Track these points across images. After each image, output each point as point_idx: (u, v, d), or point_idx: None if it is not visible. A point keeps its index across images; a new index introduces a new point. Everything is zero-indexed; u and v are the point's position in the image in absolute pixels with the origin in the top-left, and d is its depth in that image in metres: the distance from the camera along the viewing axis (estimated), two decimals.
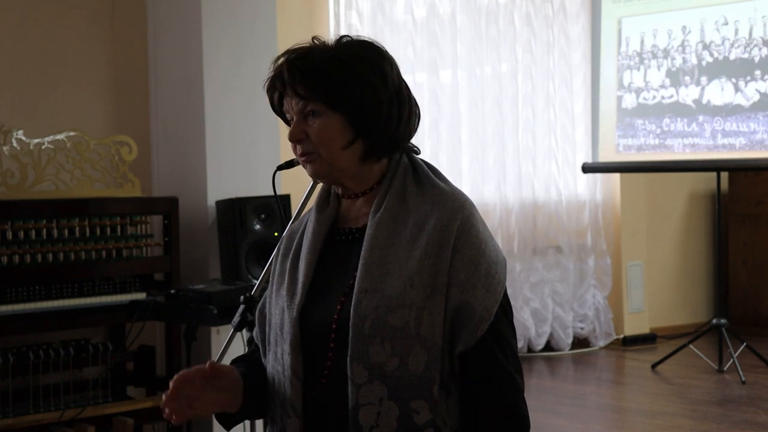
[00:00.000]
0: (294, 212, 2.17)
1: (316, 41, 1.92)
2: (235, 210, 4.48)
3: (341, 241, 1.95)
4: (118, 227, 4.40)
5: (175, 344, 4.43)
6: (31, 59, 4.76)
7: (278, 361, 1.93)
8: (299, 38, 6.35)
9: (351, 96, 1.86)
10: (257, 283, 2.03)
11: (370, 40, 1.94)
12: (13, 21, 4.73)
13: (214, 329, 4.48)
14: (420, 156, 2.00)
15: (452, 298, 1.81)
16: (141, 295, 4.38)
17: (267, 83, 1.93)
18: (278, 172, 2.08)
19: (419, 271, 1.81)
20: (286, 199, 4.52)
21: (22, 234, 4.16)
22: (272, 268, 2.03)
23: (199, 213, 4.64)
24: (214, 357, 2.01)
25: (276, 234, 4.53)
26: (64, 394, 4.28)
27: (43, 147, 4.34)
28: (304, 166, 1.94)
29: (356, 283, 1.84)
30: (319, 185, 2.02)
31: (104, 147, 4.52)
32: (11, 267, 4.12)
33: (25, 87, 4.75)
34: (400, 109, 1.91)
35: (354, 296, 1.83)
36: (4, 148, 4.27)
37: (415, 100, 1.97)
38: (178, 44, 4.78)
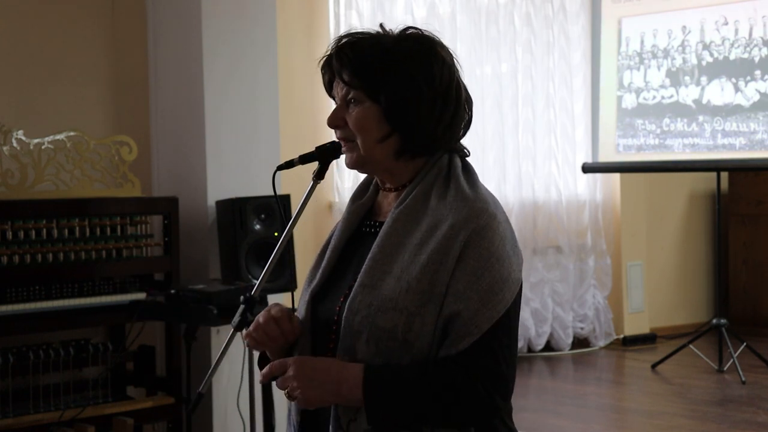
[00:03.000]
0: (294, 212, 2.16)
1: (380, 30, 1.91)
2: (235, 210, 4.48)
3: (369, 233, 1.95)
4: (118, 227, 4.40)
5: (175, 344, 4.43)
6: (31, 59, 4.76)
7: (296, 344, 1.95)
8: (299, 38, 6.33)
9: (392, 90, 1.85)
10: (257, 283, 2.03)
11: (430, 36, 1.91)
12: (13, 21, 4.73)
13: (214, 329, 4.48)
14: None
15: (446, 307, 1.77)
16: (141, 295, 4.38)
17: (321, 63, 1.93)
18: (278, 172, 2.07)
19: (419, 277, 1.78)
20: (286, 199, 4.52)
21: (22, 234, 4.16)
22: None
23: (199, 213, 4.64)
24: (214, 357, 2.01)
25: (276, 234, 4.53)
26: (64, 394, 4.28)
27: (43, 147, 4.34)
28: (344, 154, 1.94)
29: (359, 277, 1.84)
30: (316, 183, 2.02)
31: (104, 147, 4.52)
32: (11, 267, 4.12)
33: (25, 87, 4.75)
34: (443, 110, 1.88)
35: (353, 290, 1.83)
36: (4, 148, 4.27)
37: (467, 99, 1.93)
38: (178, 44, 4.78)
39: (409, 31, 1.91)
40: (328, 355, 1.86)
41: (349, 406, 1.80)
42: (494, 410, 1.79)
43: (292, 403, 1.91)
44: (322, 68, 1.93)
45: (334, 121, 1.91)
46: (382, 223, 1.92)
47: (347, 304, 1.82)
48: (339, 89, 1.90)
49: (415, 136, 1.88)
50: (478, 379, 1.76)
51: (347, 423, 1.80)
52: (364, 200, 1.99)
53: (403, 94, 1.85)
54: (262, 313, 1.92)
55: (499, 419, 1.85)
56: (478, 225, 1.81)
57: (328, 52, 1.91)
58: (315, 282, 1.94)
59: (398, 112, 1.86)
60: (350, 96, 1.88)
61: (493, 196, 1.91)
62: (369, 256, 1.85)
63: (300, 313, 1.94)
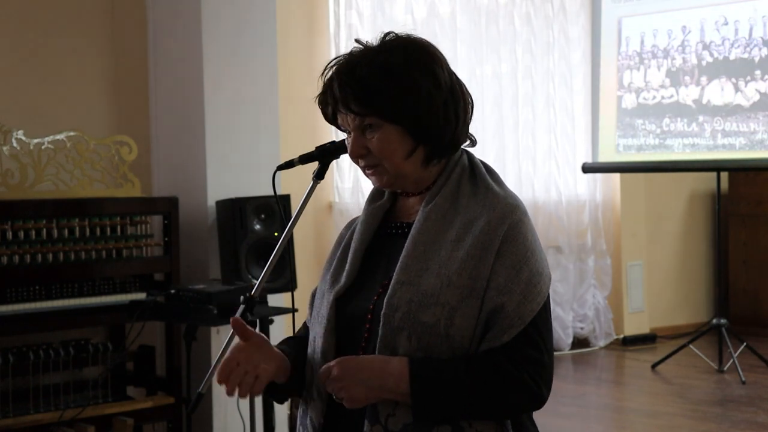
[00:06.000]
0: (294, 212, 2.16)
1: (359, 44, 1.90)
2: (235, 210, 4.48)
3: (392, 234, 1.95)
4: (118, 227, 4.40)
5: (175, 344, 4.43)
6: (31, 59, 4.76)
7: (312, 344, 1.94)
8: (299, 38, 6.32)
9: (406, 107, 1.84)
10: (257, 283, 2.03)
11: (415, 39, 1.91)
12: (13, 21, 4.73)
13: (214, 329, 4.48)
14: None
15: (488, 301, 1.79)
16: (141, 295, 4.38)
17: (318, 98, 1.91)
18: (278, 172, 2.07)
19: (459, 272, 1.80)
20: (286, 199, 4.52)
21: (22, 234, 4.16)
22: (328, 258, 2.03)
23: (199, 213, 4.64)
24: (214, 357, 2.00)
25: (276, 234, 4.53)
26: (64, 394, 4.28)
27: (43, 147, 4.34)
28: (368, 177, 1.94)
29: (394, 274, 1.84)
30: (316, 183, 2.01)
31: (104, 147, 4.52)
32: (11, 267, 4.12)
33: (25, 87, 4.75)
34: (456, 108, 1.89)
35: (390, 287, 1.83)
36: (4, 148, 4.27)
37: (466, 88, 1.94)
38: (178, 44, 4.78)
39: (388, 38, 1.90)
40: (360, 353, 1.86)
41: (387, 401, 1.80)
42: (541, 399, 1.82)
43: (311, 405, 1.91)
44: (320, 102, 1.91)
45: (357, 151, 1.89)
46: (408, 224, 1.92)
47: (385, 300, 1.82)
48: (349, 120, 1.88)
49: (439, 142, 1.88)
50: (524, 369, 1.79)
51: (385, 418, 1.81)
52: (382, 202, 1.99)
53: (417, 107, 1.84)
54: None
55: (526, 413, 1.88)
56: (513, 221, 1.84)
57: (322, 88, 1.89)
58: (341, 284, 1.93)
59: (418, 125, 1.85)
60: (365, 122, 1.87)
61: (517, 195, 1.93)
62: (403, 254, 1.85)
63: (321, 314, 1.93)
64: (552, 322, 1.89)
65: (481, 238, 1.81)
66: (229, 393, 1.84)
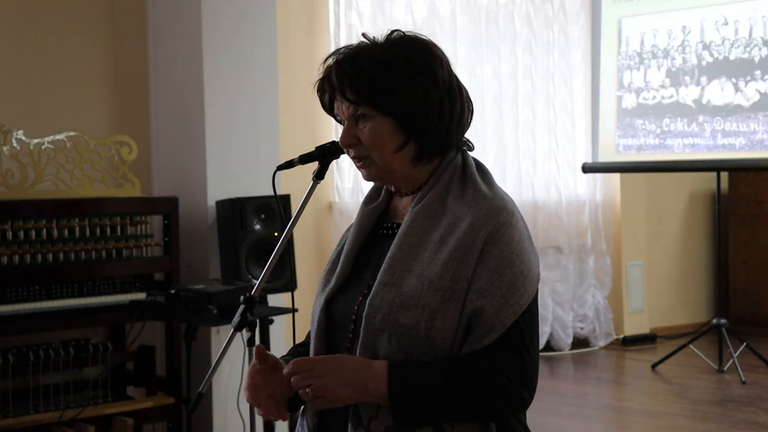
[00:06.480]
0: (294, 212, 2.16)
1: (365, 39, 1.90)
2: (235, 210, 4.48)
3: (385, 235, 1.95)
4: (118, 227, 4.40)
5: (175, 344, 4.43)
6: (31, 59, 4.76)
7: (310, 346, 1.95)
8: (299, 38, 6.31)
9: (400, 100, 1.84)
10: (257, 283, 2.03)
11: (420, 37, 1.91)
12: (13, 21, 4.73)
13: (214, 329, 4.49)
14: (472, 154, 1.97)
15: (468, 303, 1.78)
16: (141, 295, 4.38)
17: (316, 85, 1.92)
18: (278, 172, 2.07)
19: (440, 274, 1.79)
20: (286, 199, 4.52)
21: (22, 234, 4.16)
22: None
23: (199, 213, 4.64)
24: (214, 357, 2.01)
25: (276, 234, 4.54)
26: (64, 394, 4.28)
27: (43, 147, 4.34)
28: (358, 170, 1.94)
29: (378, 275, 1.84)
30: (316, 183, 2.02)
31: (104, 147, 4.52)
32: (11, 267, 4.12)
33: (25, 87, 4.75)
34: (451, 109, 1.88)
35: (373, 288, 1.83)
36: (4, 148, 4.27)
37: (467, 93, 1.94)
38: (178, 44, 4.78)
39: (394, 35, 1.90)
40: (346, 351, 1.86)
41: (369, 403, 1.80)
42: (521, 403, 1.80)
43: (307, 406, 1.91)
44: (319, 89, 1.92)
45: (347, 141, 1.89)
46: (399, 225, 1.92)
47: (368, 301, 1.82)
48: (344, 108, 1.88)
49: (431, 141, 1.88)
50: (503, 373, 1.77)
51: (368, 420, 1.81)
52: (377, 204, 1.99)
53: (412, 102, 1.84)
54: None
55: (515, 416, 1.86)
56: (498, 222, 1.82)
57: (321, 75, 1.90)
58: (331, 285, 1.94)
59: (411, 121, 1.85)
60: (358, 112, 1.87)
61: (508, 195, 1.92)
62: (388, 255, 1.85)
63: (314, 315, 1.94)
64: (538, 323, 1.87)
65: (463, 240, 1.80)
66: (264, 415, 1.88)
